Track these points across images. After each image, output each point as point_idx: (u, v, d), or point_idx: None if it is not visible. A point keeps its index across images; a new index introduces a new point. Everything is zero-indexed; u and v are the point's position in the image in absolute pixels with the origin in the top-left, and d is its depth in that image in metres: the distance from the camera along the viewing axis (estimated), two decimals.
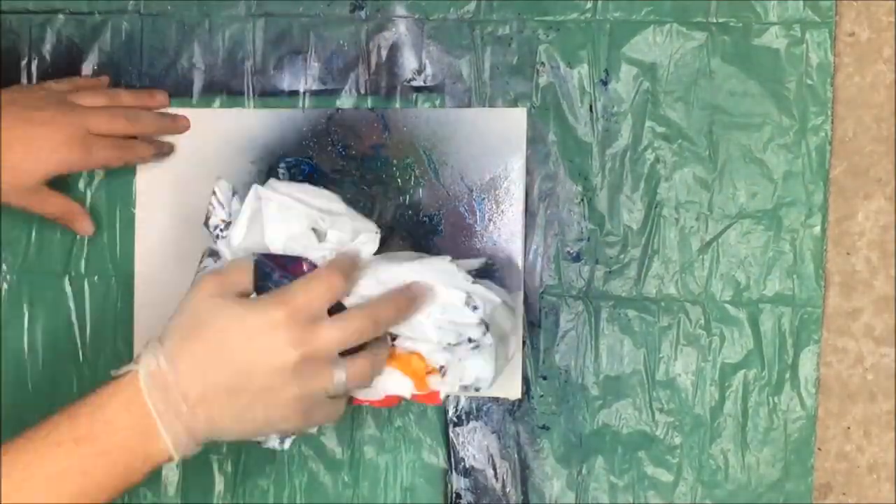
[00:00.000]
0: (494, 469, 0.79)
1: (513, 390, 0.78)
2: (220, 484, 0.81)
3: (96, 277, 0.83)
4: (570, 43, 0.78)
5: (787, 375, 0.76)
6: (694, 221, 0.77)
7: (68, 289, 0.83)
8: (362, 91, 0.80)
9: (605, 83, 0.77)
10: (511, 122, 0.78)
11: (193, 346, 0.58)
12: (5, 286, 0.83)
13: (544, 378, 0.78)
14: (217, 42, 0.82)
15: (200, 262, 0.69)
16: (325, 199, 0.67)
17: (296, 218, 0.65)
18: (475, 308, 0.66)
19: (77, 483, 0.56)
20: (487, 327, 0.66)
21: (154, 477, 0.81)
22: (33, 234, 0.83)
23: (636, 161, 0.77)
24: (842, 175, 0.76)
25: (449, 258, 0.67)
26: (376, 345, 0.64)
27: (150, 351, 0.59)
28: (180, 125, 0.80)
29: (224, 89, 0.82)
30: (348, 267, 0.62)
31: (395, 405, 0.75)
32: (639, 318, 0.77)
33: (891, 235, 0.76)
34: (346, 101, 0.80)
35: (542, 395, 0.78)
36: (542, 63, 0.78)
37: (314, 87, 0.81)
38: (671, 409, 0.77)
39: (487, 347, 0.67)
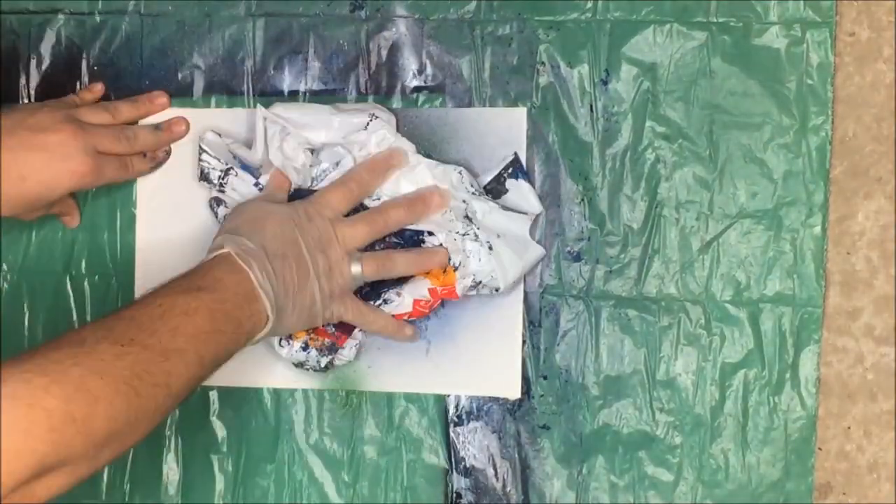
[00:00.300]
0: (495, 469, 0.79)
1: (513, 390, 0.78)
2: (220, 483, 0.81)
3: (97, 277, 0.83)
4: (571, 43, 0.78)
5: (788, 375, 0.76)
6: (694, 221, 0.77)
7: (69, 288, 0.83)
8: (362, 91, 0.80)
9: (605, 83, 0.77)
10: (511, 122, 0.78)
11: (261, 231, 0.71)
12: (6, 286, 0.83)
13: (545, 378, 0.78)
14: (217, 42, 0.82)
15: (215, 213, 0.79)
16: (322, 116, 0.77)
17: (293, 142, 0.76)
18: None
19: (207, 322, 0.64)
20: (477, 227, 0.75)
21: (154, 477, 0.81)
22: (33, 233, 0.83)
23: (636, 161, 0.77)
24: (842, 175, 0.76)
25: (459, 168, 0.76)
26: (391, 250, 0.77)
27: (228, 239, 0.69)
28: (176, 134, 0.81)
29: (224, 89, 0.82)
30: (378, 166, 0.76)
31: (426, 314, 0.77)
32: (639, 317, 0.77)
33: (891, 235, 0.76)
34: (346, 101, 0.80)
35: (542, 395, 0.78)
36: (543, 63, 0.78)
37: (314, 87, 0.81)
38: (671, 409, 0.77)
39: (485, 245, 0.74)
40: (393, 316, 0.76)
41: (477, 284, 0.75)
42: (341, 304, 0.74)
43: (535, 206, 0.77)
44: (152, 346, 0.60)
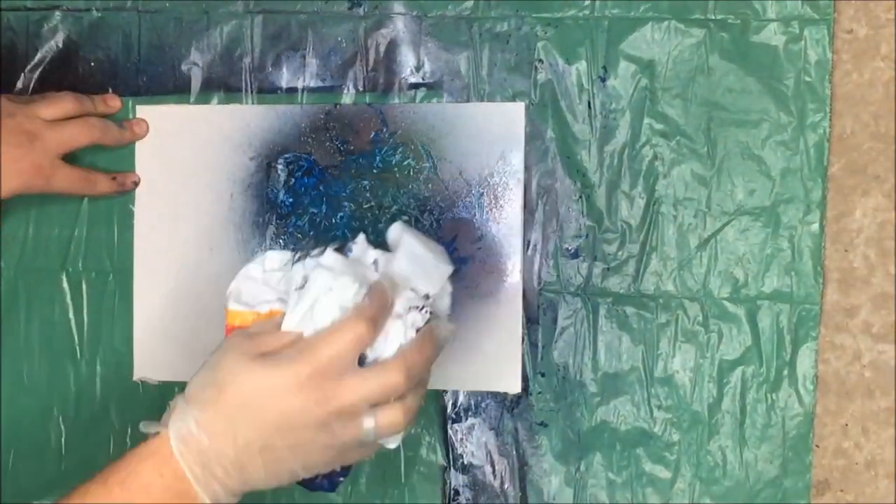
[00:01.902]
0: (493, 466, 0.79)
1: (513, 385, 0.78)
2: None
3: (94, 274, 0.83)
4: (569, 39, 0.78)
5: (785, 372, 0.76)
6: (692, 218, 0.77)
7: (66, 285, 0.83)
8: (360, 88, 0.80)
9: (603, 80, 0.77)
10: (509, 117, 0.78)
11: (223, 409, 0.57)
12: (3, 283, 0.83)
13: (542, 375, 0.78)
14: (215, 39, 0.82)
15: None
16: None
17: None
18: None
19: None
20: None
21: None
22: (30, 230, 0.83)
23: (634, 158, 0.77)
24: (840, 172, 0.76)
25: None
26: (413, 391, 0.61)
27: (180, 414, 0.58)
28: (137, 134, 0.81)
29: (222, 86, 0.82)
30: (375, 311, 0.59)
31: None
32: (637, 314, 0.77)
33: (889, 232, 0.76)
34: (344, 98, 0.80)
35: (540, 392, 0.78)
36: (541, 60, 0.78)
37: (312, 84, 0.81)
38: (669, 406, 0.77)
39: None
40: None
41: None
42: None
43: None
44: None
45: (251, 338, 0.60)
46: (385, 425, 0.59)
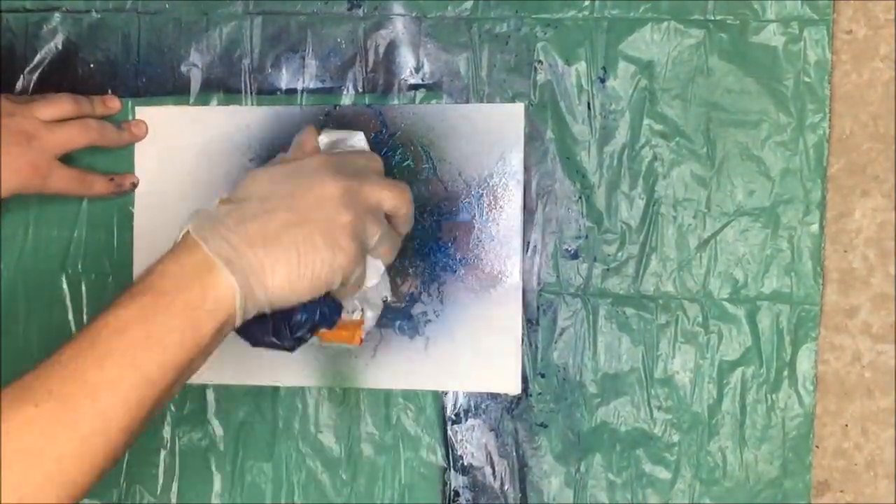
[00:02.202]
0: (493, 467, 0.79)
1: (513, 386, 0.78)
2: (217, 483, 0.81)
3: (93, 275, 0.83)
4: (568, 40, 0.78)
5: (785, 373, 0.76)
6: (692, 219, 0.77)
7: (65, 286, 0.83)
8: (360, 89, 0.80)
9: (602, 81, 0.77)
10: (509, 117, 0.78)
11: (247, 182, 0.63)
12: (2, 284, 0.83)
13: (542, 376, 0.78)
14: (214, 40, 0.82)
15: None
16: None
17: None
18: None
19: (141, 331, 0.54)
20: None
21: (151, 476, 0.81)
22: (30, 231, 0.83)
23: (634, 158, 0.77)
24: (839, 172, 0.76)
25: None
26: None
27: (192, 215, 0.61)
28: (136, 136, 0.81)
29: (222, 87, 0.82)
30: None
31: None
32: (637, 315, 0.77)
33: (888, 233, 0.76)
34: (343, 100, 0.80)
35: (540, 393, 0.78)
36: (540, 61, 0.78)
37: (312, 86, 0.81)
38: (669, 407, 0.77)
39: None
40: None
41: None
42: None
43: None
44: (72, 394, 0.52)
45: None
46: (392, 208, 0.66)
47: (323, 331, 0.66)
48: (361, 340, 0.72)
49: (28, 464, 0.50)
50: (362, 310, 0.72)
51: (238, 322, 0.58)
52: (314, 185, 0.62)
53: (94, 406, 0.52)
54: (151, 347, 0.54)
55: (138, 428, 0.54)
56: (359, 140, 0.73)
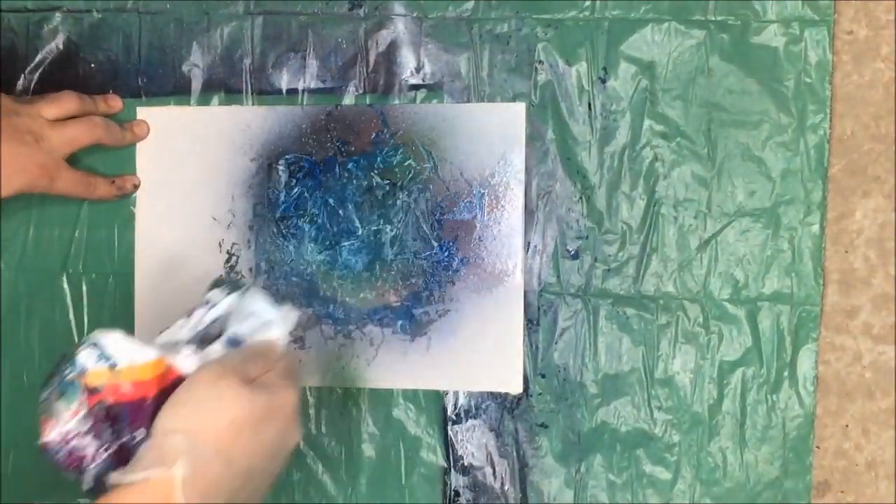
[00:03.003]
0: (493, 467, 0.79)
1: (513, 386, 0.78)
2: None
3: (94, 275, 0.83)
4: (569, 41, 0.78)
5: (786, 373, 0.76)
6: (692, 219, 0.77)
7: (66, 286, 0.83)
8: (361, 89, 0.80)
9: (603, 81, 0.77)
10: (510, 117, 0.78)
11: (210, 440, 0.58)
12: (3, 284, 0.83)
13: (543, 376, 0.78)
14: (215, 40, 0.82)
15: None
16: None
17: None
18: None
19: None
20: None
21: None
22: (31, 231, 0.83)
23: (635, 159, 0.77)
24: (840, 173, 0.76)
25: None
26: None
27: (169, 452, 0.57)
28: (138, 136, 0.82)
29: (223, 88, 0.82)
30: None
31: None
32: (637, 316, 0.77)
33: (889, 233, 0.76)
34: (345, 99, 0.80)
35: (540, 393, 0.78)
36: (541, 61, 0.78)
37: (313, 86, 0.81)
38: (669, 408, 0.77)
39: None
40: None
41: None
42: None
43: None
44: None
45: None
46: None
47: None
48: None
49: None
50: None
51: None
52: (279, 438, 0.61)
53: None
54: None
55: None
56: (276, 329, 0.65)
